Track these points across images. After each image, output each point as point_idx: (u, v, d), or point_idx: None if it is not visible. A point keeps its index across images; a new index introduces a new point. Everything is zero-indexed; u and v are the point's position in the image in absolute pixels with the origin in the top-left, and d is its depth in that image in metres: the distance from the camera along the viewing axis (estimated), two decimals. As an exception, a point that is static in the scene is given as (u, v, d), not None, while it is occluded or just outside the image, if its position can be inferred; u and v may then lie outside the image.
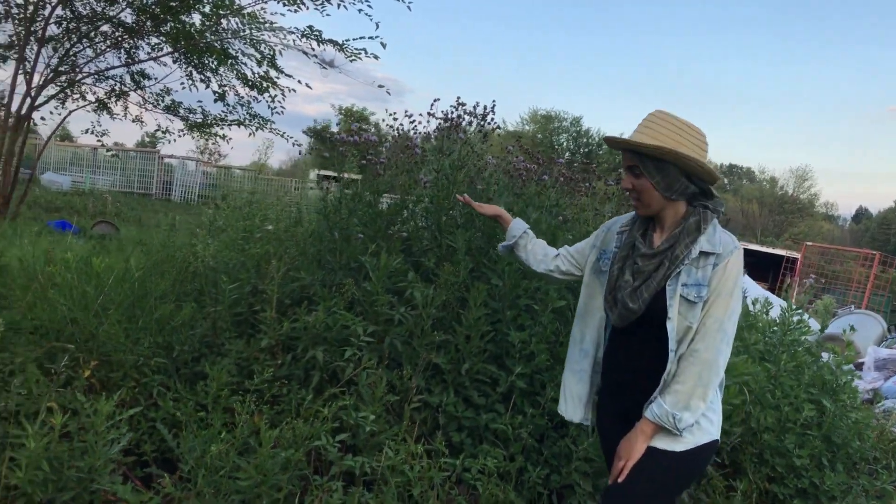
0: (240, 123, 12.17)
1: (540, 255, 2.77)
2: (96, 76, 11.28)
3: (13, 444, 2.75)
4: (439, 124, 4.07)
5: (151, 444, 3.18)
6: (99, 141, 11.52)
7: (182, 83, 11.82)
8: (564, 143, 47.63)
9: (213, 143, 12.12)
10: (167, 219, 16.68)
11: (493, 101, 3.98)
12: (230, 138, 12.64)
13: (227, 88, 11.34)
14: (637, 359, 2.35)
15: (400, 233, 3.76)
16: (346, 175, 4.01)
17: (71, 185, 21.96)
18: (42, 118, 11.23)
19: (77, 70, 11.43)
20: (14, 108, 10.88)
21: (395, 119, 4.11)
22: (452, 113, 3.98)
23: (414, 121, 4.09)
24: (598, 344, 2.54)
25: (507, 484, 3.20)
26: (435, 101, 4.00)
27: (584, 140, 47.67)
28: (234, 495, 2.86)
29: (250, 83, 11.24)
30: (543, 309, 3.65)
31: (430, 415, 3.43)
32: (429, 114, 4.06)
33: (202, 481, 2.88)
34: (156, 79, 11.60)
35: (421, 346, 3.47)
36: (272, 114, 11.59)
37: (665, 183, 2.23)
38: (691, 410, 2.16)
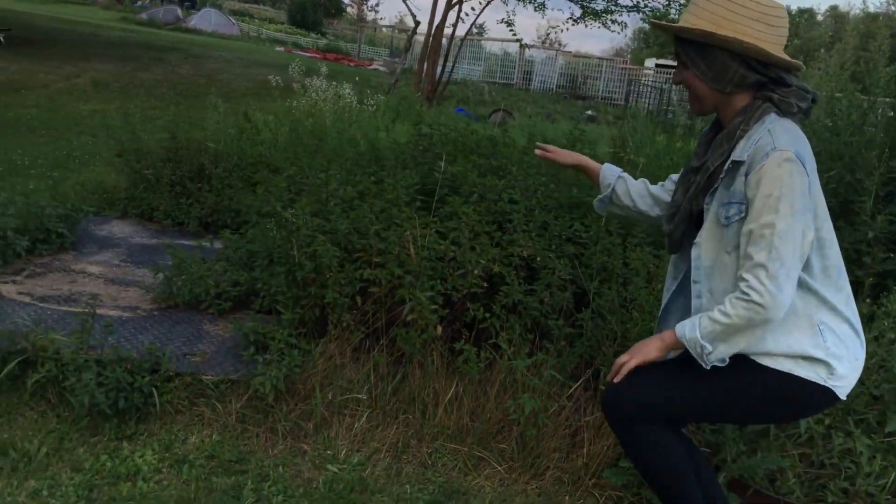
0: (635, 9, 12.02)
1: (648, 197, 2.20)
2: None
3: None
4: None
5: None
6: (511, 30, 12.16)
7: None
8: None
9: (614, 32, 12.07)
10: (544, 109, 17.25)
11: None
12: (625, 24, 12.57)
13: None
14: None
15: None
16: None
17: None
18: (466, 13, 12.15)
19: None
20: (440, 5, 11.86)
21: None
22: None
23: None
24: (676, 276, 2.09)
25: None
26: None
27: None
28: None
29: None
30: None
31: None
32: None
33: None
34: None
35: None
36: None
37: (712, 72, 1.80)
38: (729, 344, 1.79)
